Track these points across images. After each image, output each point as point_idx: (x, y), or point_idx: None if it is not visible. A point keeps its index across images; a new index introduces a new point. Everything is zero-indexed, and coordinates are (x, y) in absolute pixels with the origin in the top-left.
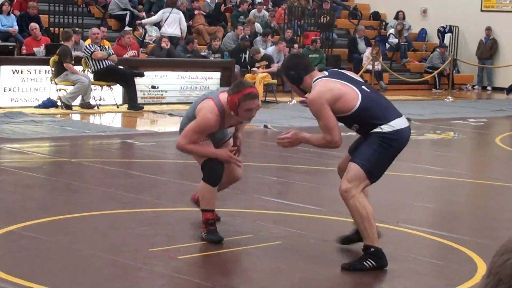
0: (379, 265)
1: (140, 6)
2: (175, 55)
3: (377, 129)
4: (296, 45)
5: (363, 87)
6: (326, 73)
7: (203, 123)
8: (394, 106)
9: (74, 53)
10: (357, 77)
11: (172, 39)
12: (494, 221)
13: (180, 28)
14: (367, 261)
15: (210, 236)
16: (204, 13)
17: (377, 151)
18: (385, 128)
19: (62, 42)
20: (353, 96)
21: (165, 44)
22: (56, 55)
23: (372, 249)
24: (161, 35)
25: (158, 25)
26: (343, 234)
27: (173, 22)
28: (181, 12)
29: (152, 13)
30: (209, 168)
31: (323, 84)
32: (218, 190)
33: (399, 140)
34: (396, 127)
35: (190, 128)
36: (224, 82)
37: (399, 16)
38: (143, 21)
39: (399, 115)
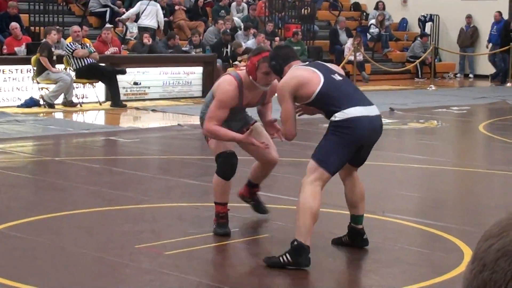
0: (295, 262)
1: (120, 2)
2: (157, 51)
3: (333, 117)
4: (277, 38)
5: (334, 75)
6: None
7: (224, 96)
8: (362, 95)
9: (56, 52)
10: (338, 69)
11: (149, 30)
12: (479, 208)
13: (157, 20)
14: (284, 256)
15: (217, 229)
16: (185, 8)
17: (329, 139)
18: (338, 115)
19: (43, 40)
20: (315, 82)
21: (147, 40)
22: (38, 52)
23: (295, 243)
24: (138, 27)
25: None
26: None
27: (150, 14)
28: (158, 5)
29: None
30: (222, 162)
31: (290, 72)
32: (258, 181)
33: (352, 128)
34: (348, 115)
35: (212, 107)
36: (206, 77)
37: (379, 6)
38: (123, 16)
39: (361, 104)
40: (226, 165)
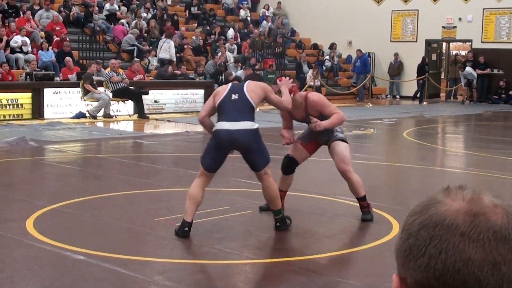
0: (177, 234)
1: (144, 42)
2: (175, 77)
3: None
4: (257, 68)
5: (234, 95)
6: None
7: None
8: (234, 114)
9: (97, 78)
10: (248, 89)
11: (164, 60)
12: (403, 192)
13: (170, 53)
14: (177, 229)
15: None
16: (191, 47)
17: (207, 146)
18: (214, 127)
19: (87, 70)
20: (219, 98)
21: (170, 69)
22: (82, 79)
23: (183, 220)
24: (158, 59)
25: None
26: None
27: (165, 49)
28: (171, 41)
29: (151, 47)
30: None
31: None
32: (355, 193)
33: (215, 138)
34: (215, 127)
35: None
36: (207, 97)
37: (332, 46)
38: (155, 57)
39: (227, 120)
40: (282, 163)
